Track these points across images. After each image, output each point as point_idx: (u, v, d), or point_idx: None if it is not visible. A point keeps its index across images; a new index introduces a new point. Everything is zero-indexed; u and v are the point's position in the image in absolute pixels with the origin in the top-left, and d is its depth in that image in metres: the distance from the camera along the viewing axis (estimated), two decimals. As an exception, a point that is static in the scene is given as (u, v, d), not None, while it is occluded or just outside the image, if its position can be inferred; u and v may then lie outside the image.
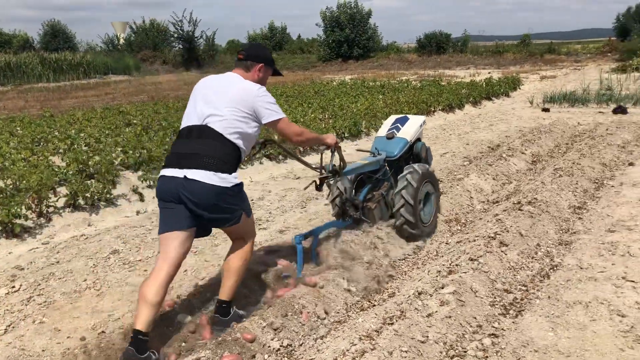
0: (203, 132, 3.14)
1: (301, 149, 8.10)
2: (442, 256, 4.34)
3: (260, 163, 8.06)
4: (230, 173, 3.11)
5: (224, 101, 3.17)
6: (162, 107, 13.76)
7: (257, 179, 7.47)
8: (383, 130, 5.14)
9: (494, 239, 4.28)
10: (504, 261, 3.97)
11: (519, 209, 5.00)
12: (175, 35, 41.35)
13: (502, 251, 4.10)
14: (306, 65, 38.69)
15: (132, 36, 45.64)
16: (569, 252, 4.31)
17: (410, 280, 3.97)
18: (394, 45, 44.94)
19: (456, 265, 3.82)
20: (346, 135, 10.21)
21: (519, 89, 18.42)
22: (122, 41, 46.09)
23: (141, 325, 2.94)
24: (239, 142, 3.16)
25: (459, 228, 5.24)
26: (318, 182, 3.99)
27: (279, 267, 4.04)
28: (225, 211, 3.13)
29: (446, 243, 4.75)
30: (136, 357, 2.85)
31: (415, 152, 5.19)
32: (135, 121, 11.22)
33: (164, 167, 3.20)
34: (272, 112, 3.25)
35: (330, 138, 3.84)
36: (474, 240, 4.35)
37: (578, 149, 7.88)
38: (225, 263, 3.33)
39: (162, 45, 43.26)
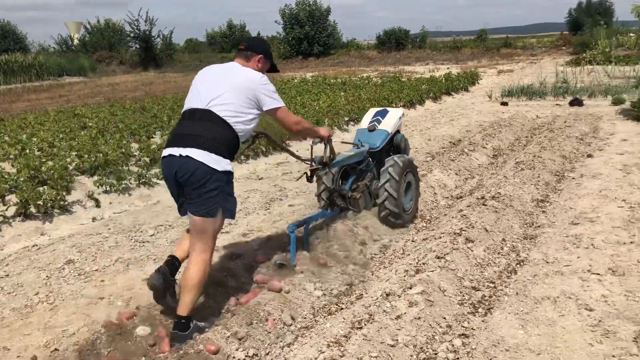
0: (205, 115, 3.24)
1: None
2: (409, 254, 4.28)
3: (222, 164, 7.89)
4: (224, 157, 3.18)
5: (227, 87, 3.29)
6: (118, 108, 13.36)
7: (218, 180, 7.28)
8: (364, 123, 5.36)
9: (460, 235, 4.24)
10: (471, 258, 3.93)
11: (483, 204, 4.98)
12: (132, 34, 40.45)
13: (468, 247, 4.06)
14: (266, 63, 38.33)
15: (86, 36, 44.47)
16: (535, 247, 4.31)
17: (377, 281, 3.90)
18: (354, 42, 45.05)
19: (423, 263, 3.76)
20: (308, 133, 10.10)
21: (478, 83, 18.65)
22: (76, 42, 44.85)
23: (179, 254, 3.42)
24: (239, 127, 3.27)
25: (424, 225, 5.19)
26: (309, 174, 4.19)
27: (275, 256, 4.13)
28: (207, 194, 3.13)
29: (412, 241, 4.70)
30: (167, 277, 3.28)
31: (395, 144, 5.42)
32: (90, 124, 10.85)
33: (166, 147, 3.28)
34: (273, 99, 3.38)
35: (324, 130, 4.07)
36: (440, 237, 4.30)
37: (538, 142, 7.98)
38: (183, 277, 3.19)
39: (118, 46, 42.28)
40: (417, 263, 3.82)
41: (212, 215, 3.18)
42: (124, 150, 7.82)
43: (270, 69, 3.66)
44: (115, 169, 6.90)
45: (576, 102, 12.48)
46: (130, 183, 6.69)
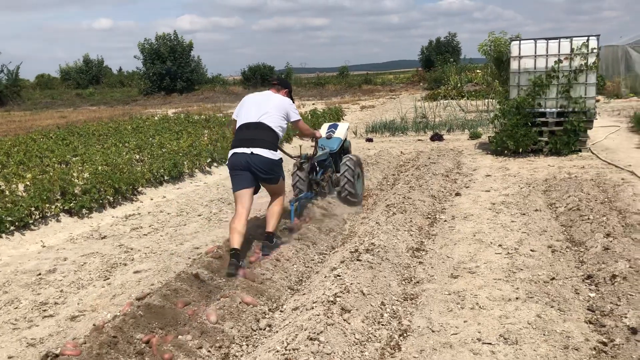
0: (259, 125, 5.00)
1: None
2: (277, 332, 3.59)
3: (58, 221, 6.69)
4: (276, 151, 5.00)
5: (271, 106, 5.12)
6: None
7: (50, 242, 6.09)
8: (323, 133, 7.04)
9: (334, 303, 3.63)
10: (349, 334, 3.32)
11: (358, 259, 4.45)
12: (-32, 70, 36.38)
13: (344, 320, 3.46)
14: (126, 99, 36.42)
15: None
16: (417, 309, 3.82)
17: (238, 375, 3.15)
18: (219, 77, 44.41)
19: (293, 349, 3.08)
20: (165, 178, 9.12)
21: (342, 119, 18.72)
22: None
23: (237, 244, 4.60)
24: (279, 132, 5.09)
25: (295, 287, 4.55)
26: (299, 165, 6.21)
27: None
28: (273, 174, 5.00)
29: (281, 311, 4.02)
30: (237, 264, 4.45)
31: (345, 147, 7.31)
32: None
33: (234, 147, 4.99)
34: (296, 114, 5.31)
35: (318, 133, 6.35)
36: (312, 308, 3.66)
37: (406, 181, 7.75)
38: (269, 210, 5.13)
39: (-49, 82, 37.88)
40: (286, 348, 3.12)
41: (279, 182, 5.10)
42: None
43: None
44: None
45: (437, 137, 12.76)
46: None
